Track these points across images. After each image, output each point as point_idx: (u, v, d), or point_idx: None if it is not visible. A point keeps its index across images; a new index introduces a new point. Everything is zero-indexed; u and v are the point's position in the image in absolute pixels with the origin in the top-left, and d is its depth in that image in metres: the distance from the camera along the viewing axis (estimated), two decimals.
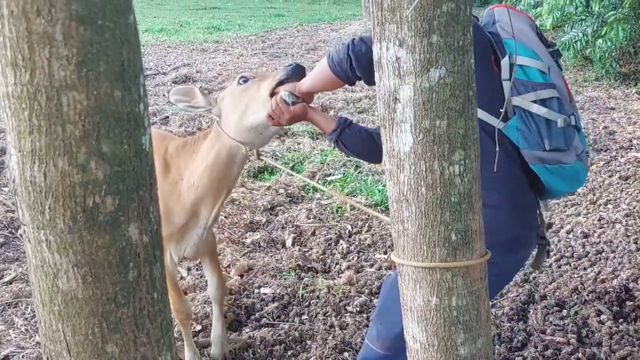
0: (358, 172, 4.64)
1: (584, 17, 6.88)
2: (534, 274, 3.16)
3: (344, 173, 4.62)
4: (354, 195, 4.23)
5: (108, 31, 0.89)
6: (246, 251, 3.54)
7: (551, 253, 3.36)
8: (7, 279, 3.15)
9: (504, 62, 1.71)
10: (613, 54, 7.01)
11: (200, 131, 4.34)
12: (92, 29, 0.88)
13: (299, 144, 5.28)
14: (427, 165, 1.31)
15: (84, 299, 0.94)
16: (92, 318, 0.95)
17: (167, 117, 6.04)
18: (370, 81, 1.83)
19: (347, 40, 1.84)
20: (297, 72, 2.03)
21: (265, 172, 4.69)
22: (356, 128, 2.02)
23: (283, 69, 2.05)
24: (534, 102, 1.70)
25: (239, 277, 3.26)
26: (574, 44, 6.84)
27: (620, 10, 6.33)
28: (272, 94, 2.03)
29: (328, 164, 4.77)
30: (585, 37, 6.74)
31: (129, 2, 0.94)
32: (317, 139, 5.45)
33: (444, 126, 1.29)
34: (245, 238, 3.68)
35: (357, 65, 1.78)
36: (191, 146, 2.25)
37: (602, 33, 6.33)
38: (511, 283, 3.10)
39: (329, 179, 4.54)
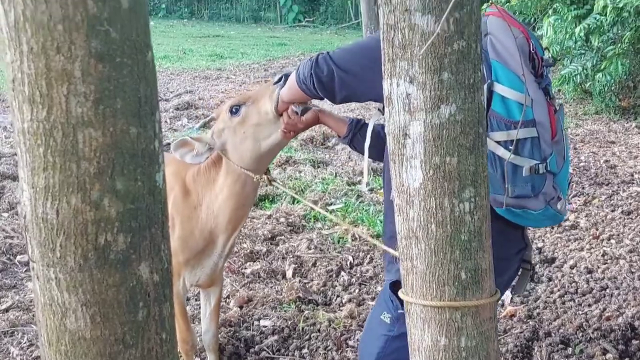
0: (360, 202, 4.62)
1: (583, 52, 6.96)
2: (537, 310, 3.12)
3: (345, 202, 4.60)
4: (355, 226, 4.21)
5: (126, 68, 0.90)
6: (246, 282, 3.50)
7: (555, 289, 3.33)
8: (3, 306, 3.10)
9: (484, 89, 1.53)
10: (612, 88, 7.08)
11: None
12: (110, 66, 0.88)
13: (300, 172, 5.27)
14: (437, 202, 1.30)
15: (92, 339, 0.92)
16: (99, 359, 0.93)
17: (169, 143, 6.04)
18: (334, 101, 1.83)
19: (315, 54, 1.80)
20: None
21: (266, 201, 4.67)
22: (366, 131, 2.01)
23: (275, 87, 2.07)
24: (505, 142, 1.55)
25: (239, 309, 3.21)
26: (574, 78, 6.91)
27: (619, 45, 6.41)
28: (280, 113, 2.06)
29: (329, 193, 4.75)
30: (584, 71, 6.81)
31: (147, 39, 0.94)
32: (319, 167, 5.44)
33: (455, 163, 1.29)
34: (245, 268, 3.64)
35: (319, 86, 1.76)
36: (205, 174, 2.26)
37: (602, 67, 6.40)
38: (515, 319, 3.06)
39: (330, 208, 4.52)
